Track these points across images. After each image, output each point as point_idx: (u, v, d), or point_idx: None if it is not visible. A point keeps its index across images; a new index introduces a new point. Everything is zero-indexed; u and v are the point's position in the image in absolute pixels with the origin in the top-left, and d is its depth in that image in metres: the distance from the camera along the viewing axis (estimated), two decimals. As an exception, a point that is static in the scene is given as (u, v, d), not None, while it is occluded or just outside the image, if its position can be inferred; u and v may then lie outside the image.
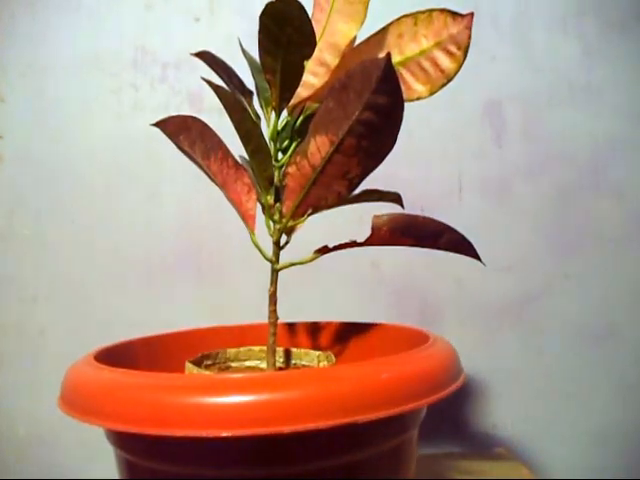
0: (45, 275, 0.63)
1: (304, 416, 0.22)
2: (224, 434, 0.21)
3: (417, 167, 0.65)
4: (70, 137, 0.64)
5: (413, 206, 0.65)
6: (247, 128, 0.32)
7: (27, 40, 0.64)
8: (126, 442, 0.27)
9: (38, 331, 0.63)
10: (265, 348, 0.35)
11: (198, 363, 0.34)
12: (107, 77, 0.64)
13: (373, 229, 0.34)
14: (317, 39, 0.32)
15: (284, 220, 0.34)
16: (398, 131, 0.28)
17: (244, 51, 0.39)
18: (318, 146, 0.30)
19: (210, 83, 0.31)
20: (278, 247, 0.35)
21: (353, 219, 0.62)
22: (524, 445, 0.63)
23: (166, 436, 0.22)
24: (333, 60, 0.33)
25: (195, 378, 0.25)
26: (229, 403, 0.22)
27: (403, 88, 0.31)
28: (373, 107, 0.27)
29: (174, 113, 0.63)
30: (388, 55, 0.25)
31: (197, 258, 0.63)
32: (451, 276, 0.65)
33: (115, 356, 0.31)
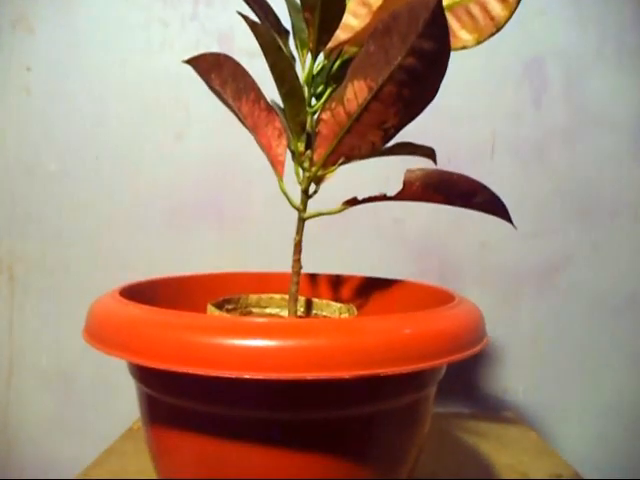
0: (68, 212, 0.63)
1: (327, 364, 0.22)
2: (246, 376, 0.21)
3: (449, 124, 0.63)
4: (98, 72, 0.63)
5: (443, 166, 0.63)
6: (282, 69, 0.30)
7: (58, -30, 0.62)
8: (148, 377, 0.27)
9: (61, 267, 0.64)
10: (286, 296, 0.35)
11: (220, 306, 0.34)
12: (137, 11, 0.62)
13: (405, 183, 0.33)
14: (361, -23, 0.30)
15: (314, 168, 0.33)
16: (441, 81, 0.27)
17: (282, -13, 0.37)
18: (355, 92, 0.29)
19: (247, 19, 0.30)
20: (306, 196, 0.34)
21: (381, 176, 0.61)
22: (533, 412, 0.63)
23: (189, 374, 0.22)
24: (376, 0, 0.31)
25: (220, 319, 0.25)
26: (253, 346, 0.22)
27: (448, 35, 0.30)
28: (417, 52, 0.26)
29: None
30: (439, -4, 0.23)
31: (220, 201, 0.63)
32: (475, 238, 0.63)
33: (139, 293, 0.31)
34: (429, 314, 0.27)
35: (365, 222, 0.63)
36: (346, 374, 0.22)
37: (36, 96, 0.63)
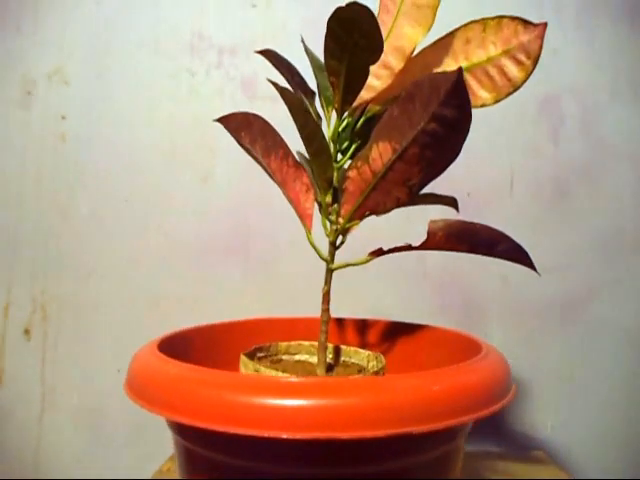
0: (99, 253, 0.65)
1: (360, 423, 0.23)
2: (284, 436, 0.22)
3: (468, 160, 0.64)
4: (128, 119, 0.66)
5: (463, 202, 0.64)
6: (310, 131, 0.32)
7: (91, 25, 0.65)
8: (187, 432, 0.28)
9: (92, 306, 0.66)
10: (315, 343, 0.36)
11: (252, 355, 0.35)
12: (165, 61, 0.65)
13: (429, 234, 0.34)
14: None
15: (341, 221, 0.34)
16: (463, 142, 0.28)
17: (307, 50, 0.39)
18: (380, 152, 0.30)
19: (276, 85, 0.32)
20: (334, 247, 0.35)
21: (401, 214, 0.62)
22: (562, 449, 0.63)
23: (229, 432, 0.23)
24: (398, 64, 0.33)
25: (258, 379, 0.26)
26: (290, 406, 0.23)
27: (467, 94, 0.31)
28: (439, 119, 0.27)
29: (228, 99, 0.65)
30: (460, 70, 0.25)
31: (246, 244, 0.65)
32: (497, 273, 0.64)
33: (175, 344, 0.33)
34: (457, 369, 0.28)
35: (388, 259, 0.63)
36: (380, 432, 0.23)
37: (70, 143, 0.66)
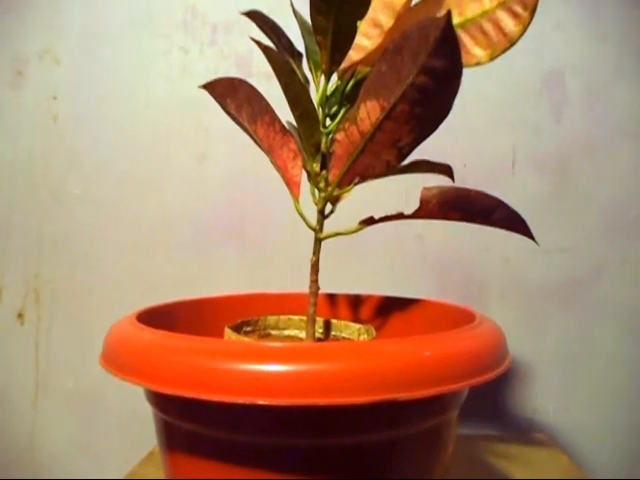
0: (94, 235, 0.64)
1: (342, 390, 0.21)
2: (260, 402, 0.21)
3: (468, 139, 0.63)
4: (121, 99, 0.64)
5: (464, 181, 0.63)
6: (295, 92, 0.31)
7: (83, 3, 0.64)
8: (163, 403, 0.27)
9: (86, 289, 0.65)
10: (305, 318, 0.35)
11: (237, 329, 0.34)
12: (158, 39, 0.64)
13: (422, 202, 0.32)
14: (371, -2, 0.30)
15: (330, 188, 0.33)
16: (454, 98, 0.26)
17: (295, 11, 0.37)
18: (368, 112, 0.29)
19: (259, 44, 0.30)
20: (322, 216, 0.34)
21: (399, 191, 0.60)
22: (564, 432, 0.61)
23: (202, 400, 0.22)
24: (388, 21, 0.31)
25: (234, 344, 0.25)
26: (267, 371, 0.22)
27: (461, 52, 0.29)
28: (429, 71, 0.25)
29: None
30: (448, 14, 0.23)
31: (243, 225, 0.63)
32: (498, 253, 0.62)
33: (156, 317, 0.31)
34: (448, 335, 0.26)
35: (385, 238, 0.62)
36: (361, 400, 0.21)
37: (62, 123, 0.65)
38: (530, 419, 0.62)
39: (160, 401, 0.27)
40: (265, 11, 0.61)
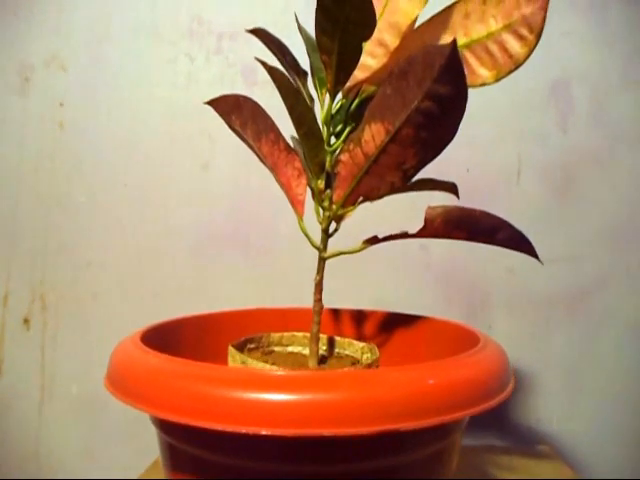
0: (99, 242, 0.64)
1: (346, 420, 0.21)
2: (264, 432, 0.21)
3: (474, 149, 0.62)
4: (127, 106, 0.64)
5: (468, 190, 0.63)
6: (300, 112, 0.30)
7: (90, 9, 0.64)
8: (168, 427, 0.27)
9: (91, 295, 0.65)
10: (308, 334, 0.35)
11: (241, 346, 0.34)
12: (164, 47, 0.64)
13: (426, 221, 0.32)
14: (377, 18, 0.30)
15: (334, 207, 0.33)
16: (459, 123, 0.26)
17: (300, 27, 0.37)
18: (373, 134, 0.28)
19: (264, 64, 0.30)
20: (327, 235, 0.34)
21: (404, 205, 0.60)
22: (568, 443, 0.61)
23: (205, 428, 0.22)
24: (393, 41, 0.31)
25: (238, 372, 0.25)
26: (271, 400, 0.22)
27: (466, 73, 0.29)
28: (434, 97, 0.25)
29: (228, 86, 0.64)
30: (454, 42, 0.23)
31: (247, 232, 0.63)
32: (502, 263, 0.62)
33: (161, 336, 0.32)
34: (452, 362, 0.26)
35: (390, 248, 0.62)
36: (364, 430, 0.21)
37: (69, 130, 0.65)
38: (534, 429, 0.62)
39: (164, 425, 0.27)
40: (272, 21, 0.62)
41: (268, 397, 0.22)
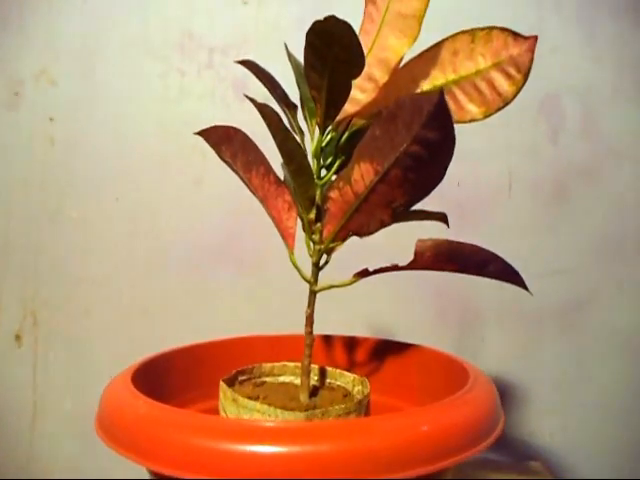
0: (90, 257, 0.64)
1: (338, 471, 0.22)
2: (253, 485, 0.21)
3: (465, 163, 0.62)
4: (118, 120, 0.64)
5: (460, 204, 0.63)
6: (290, 148, 0.31)
7: (79, 24, 0.64)
8: (157, 474, 0.27)
9: (83, 311, 0.65)
10: (299, 364, 0.35)
11: (232, 381, 0.34)
12: (155, 62, 0.64)
13: (416, 254, 0.33)
14: (366, 53, 0.30)
15: (325, 241, 0.33)
16: (447, 166, 0.26)
17: (290, 56, 0.37)
18: (362, 173, 0.29)
19: (254, 101, 0.30)
20: (317, 268, 0.34)
21: (396, 227, 0.60)
22: (560, 455, 0.62)
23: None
24: (382, 76, 0.31)
25: (228, 423, 0.25)
26: (260, 453, 0.22)
27: (455, 109, 0.30)
28: (422, 141, 0.25)
29: (219, 100, 0.64)
30: (441, 91, 0.23)
31: (238, 248, 0.63)
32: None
33: (151, 371, 0.31)
34: (444, 406, 0.26)
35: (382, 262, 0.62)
36: (354, 482, 0.21)
37: (59, 146, 0.65)
38: (527, 442, 0.62)
39: (154, 472, 0.27)
40: (262, 36, 0.61)
41: (258, 449, 0.22)
